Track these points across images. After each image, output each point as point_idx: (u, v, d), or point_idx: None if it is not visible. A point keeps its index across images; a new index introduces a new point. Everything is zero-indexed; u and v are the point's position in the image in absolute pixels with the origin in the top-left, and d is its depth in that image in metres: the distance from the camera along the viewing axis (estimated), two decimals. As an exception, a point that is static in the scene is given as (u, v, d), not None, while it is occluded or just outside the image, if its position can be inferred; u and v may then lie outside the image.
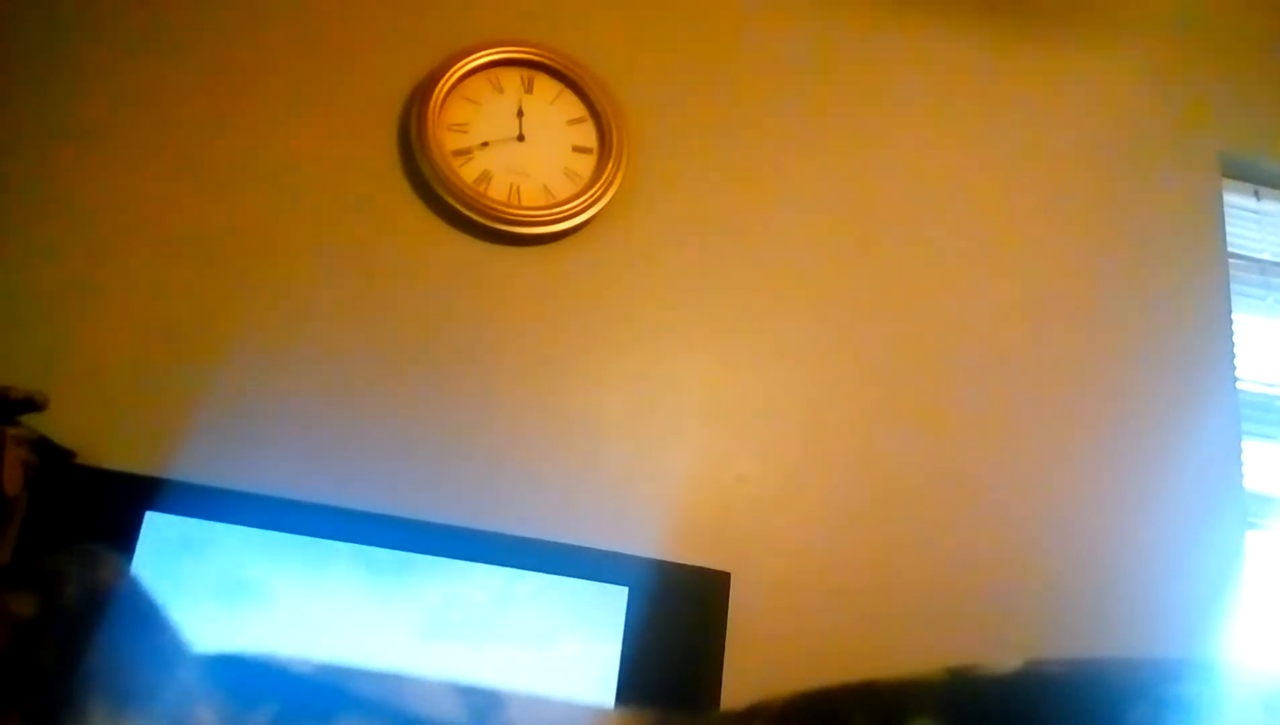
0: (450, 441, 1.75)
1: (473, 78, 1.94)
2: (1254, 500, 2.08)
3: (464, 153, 1.89)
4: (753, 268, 1.98)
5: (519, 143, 1.93)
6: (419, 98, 1.89)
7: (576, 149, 1.95)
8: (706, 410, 1.87)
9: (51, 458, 1.51)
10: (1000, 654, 0.46)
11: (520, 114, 1.95)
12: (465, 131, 1.90)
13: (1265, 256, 2.33)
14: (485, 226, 1.86)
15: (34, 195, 1.73)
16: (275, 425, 1.70)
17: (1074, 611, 1.89)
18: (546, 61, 1.98)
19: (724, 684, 1.66)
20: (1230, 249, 2.26)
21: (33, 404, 1.41)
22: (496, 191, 1.88)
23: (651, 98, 2.03)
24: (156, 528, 1.52)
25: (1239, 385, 2.15)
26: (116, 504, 1.53)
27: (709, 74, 2.09)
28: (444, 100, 1.89)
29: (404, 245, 1.84)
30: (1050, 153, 2.21)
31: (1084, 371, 2.06)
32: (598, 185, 1.91)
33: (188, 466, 1.62)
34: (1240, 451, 2.08)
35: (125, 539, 1.51)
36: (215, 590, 1.51)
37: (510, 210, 1.87)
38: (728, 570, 1.73)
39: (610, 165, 1.93)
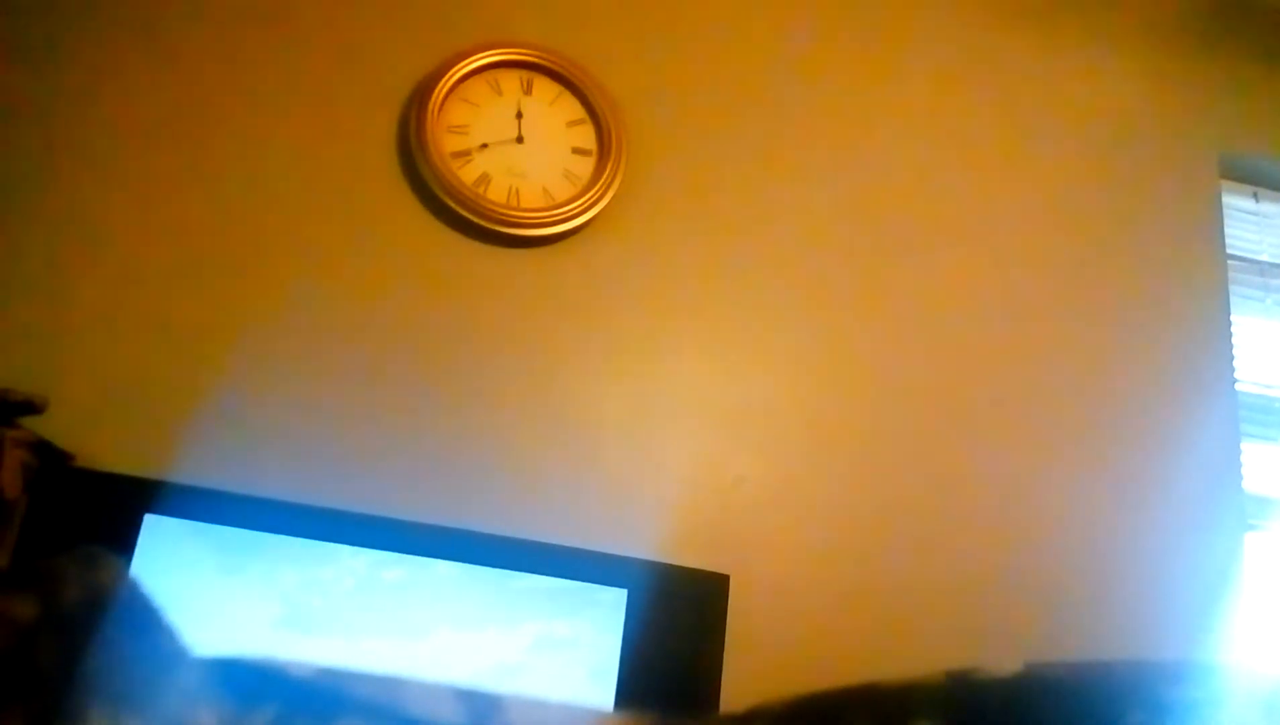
0: (449, 444, 1.75)
1: (472, 80, 1.94)
2: (1253, 502, 2.08)
3: (463, 155, 1.89)
4: (752, 269, 1.98)
5: (518, 145, 1.93)
6: (418, 99, 1.89)
7: (575, 151, 1.95)
8: (705, 412, 1.87)
9: (50, 460, 1.50)
10: (1000, 656, 0.46)
11: (519, 116, 1.95)
12: (464, 133, 1.90)
13: (1264, 258, 2.33)
14: (484, 228, 1.86)
15: (31, 199, 1.73)
16: (274, 427, 1.70)
17: (1073, 614, 1.89)
18: (545, 63, 1.98)
19: (723, 687, 1.66)
20: (1229, 250, 2.26)
21: (32, 407, 1.41)
22: (495, 193, 1.88)
23: (650, 100, 2.03)
24: (155, 530, 1.52)
25: (1238, 386, 2.15)
26: (115, 506, 1.52)
27: (708, 76, 2.09)
28: (443, 102, 1.89)
29: (403, 247, 1.84)
30: (1050, 155, 2.21)
31: (1083, 372, 2.06)
32: (597, 187, 1.91)
33: (186, 469, 1.62)
34: (1239, 453, 2.09)
35: (124, 541, 1.51)
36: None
37: (509, 212, 1.87)
38: (727, 573, 1.73)
39: (609, 167, 1.93)
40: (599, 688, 1.59)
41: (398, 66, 1.93)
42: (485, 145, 1.91)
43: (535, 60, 1.98)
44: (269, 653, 0.42)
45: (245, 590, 1.53)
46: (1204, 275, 2.20)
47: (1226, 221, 2.28)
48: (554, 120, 1.96)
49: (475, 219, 1.86)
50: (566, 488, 1.77)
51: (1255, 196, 2.37)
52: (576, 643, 1.61)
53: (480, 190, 1.87)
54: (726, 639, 1.69)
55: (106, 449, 1.59)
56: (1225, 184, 2.32)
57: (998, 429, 1.99)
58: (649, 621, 1.64)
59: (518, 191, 1.89)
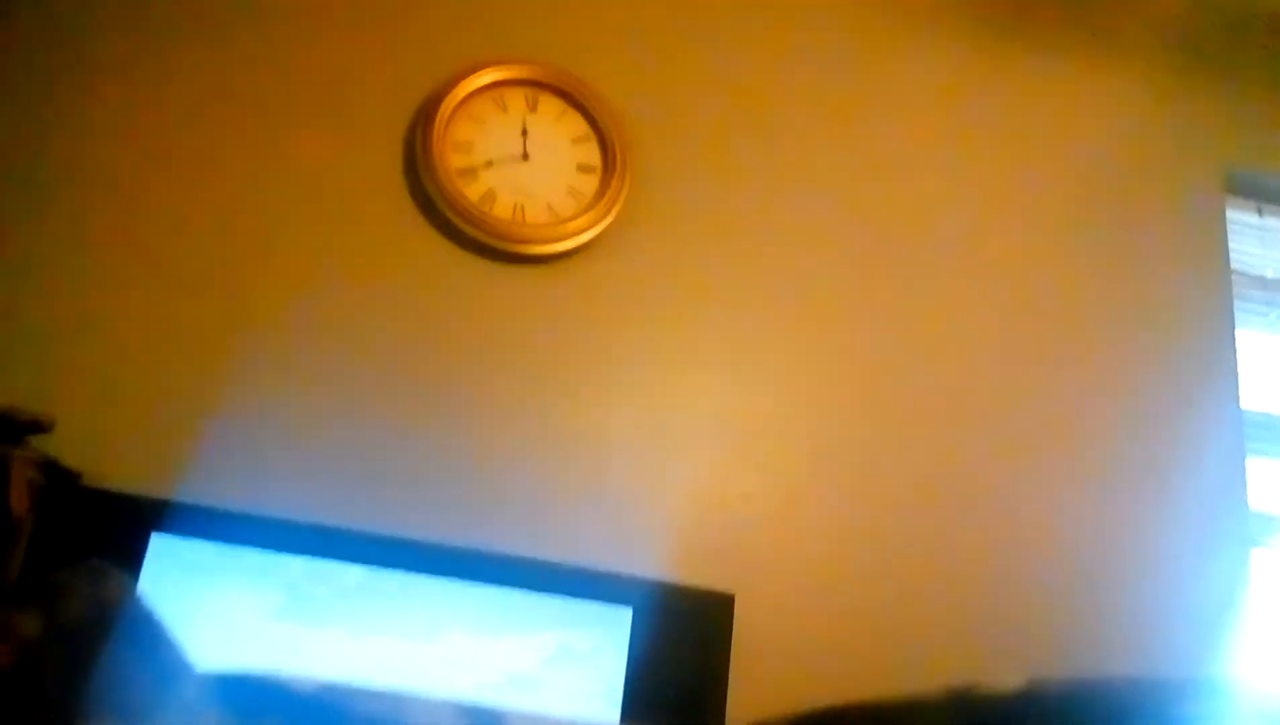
0: (454, 461, 1.75)
1: (477, 97, 1.95)
2: (1258, 519, 2.07)
3: (468, 171, 1.90)
4: (756, 286, 1.98)
5: (523, 161, 1.93)
6: (424, 117, 1.90)
7: (580, 167, 1.95)
8: (711, 429, 1.87)
9: (58, 479, 1.51)
10: (1004, 673, 0.46)
11: (524, 133, 1.95)
12: (470, 150, 1.91)
13: (1268, 273, 2.33)
14: (489, 245, 1.87)
15: (37, 217, 1.74)
16: (281, 446, 1.70)
17: (1078, 630, 1.88)
18: (550, 81, 1.99)
19: (728, 705, 1.65)
20: (1233, 266, 2.26)
21: (39, 425, 1.42)
22: (501, 210, 1.88)
23: (655, 116, 2.04)
24: (162, 549, 1.52)
25: (1243, 403, 2.14)
26: (122, 525, 1.53)
27: (712, 93, 2.09)
28: (449, 119, 1.90)
29: (408, 264, 1.85)
30: (1054, 170, 2.21)
31: (1088, 389, 2.06)
32: (601, 204, 1.91)
33: (194, 488, 1.62)
34: (1244, 470, 2.08)
35: (131, 560, 1.51)
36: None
37: (514, 229, 1.88)
38: (732, 593, 1.72)
39: (614, 184, 1.93)
40: (604, 706, 1.59)
41: (404, 83, 1.94)
42: (490, 162, 1.91)
43: (540, 78, 1.99)
44: (271, 663, 0.42)
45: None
46: (1208, 291, 2.20)
47: (1231, 237, 2.28)
48: (559, 137, 1.97)
49: (480, 236, 1.86)
50: (571, 506, 1.77)
51: (1260, 212, 2.37)
52: (581, 660, 1.60)
53: (485, 207, 1.88)
54: (731, 657, 1.68)
55: (113, 468, 1.59)
56: (1229, 199, 2.32)
57: (1003, 446, 1.98)
58: (654, 640, 1.63)
59: (523, 208, 1.90)
